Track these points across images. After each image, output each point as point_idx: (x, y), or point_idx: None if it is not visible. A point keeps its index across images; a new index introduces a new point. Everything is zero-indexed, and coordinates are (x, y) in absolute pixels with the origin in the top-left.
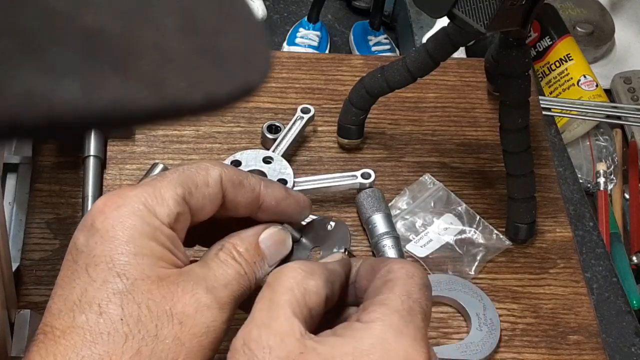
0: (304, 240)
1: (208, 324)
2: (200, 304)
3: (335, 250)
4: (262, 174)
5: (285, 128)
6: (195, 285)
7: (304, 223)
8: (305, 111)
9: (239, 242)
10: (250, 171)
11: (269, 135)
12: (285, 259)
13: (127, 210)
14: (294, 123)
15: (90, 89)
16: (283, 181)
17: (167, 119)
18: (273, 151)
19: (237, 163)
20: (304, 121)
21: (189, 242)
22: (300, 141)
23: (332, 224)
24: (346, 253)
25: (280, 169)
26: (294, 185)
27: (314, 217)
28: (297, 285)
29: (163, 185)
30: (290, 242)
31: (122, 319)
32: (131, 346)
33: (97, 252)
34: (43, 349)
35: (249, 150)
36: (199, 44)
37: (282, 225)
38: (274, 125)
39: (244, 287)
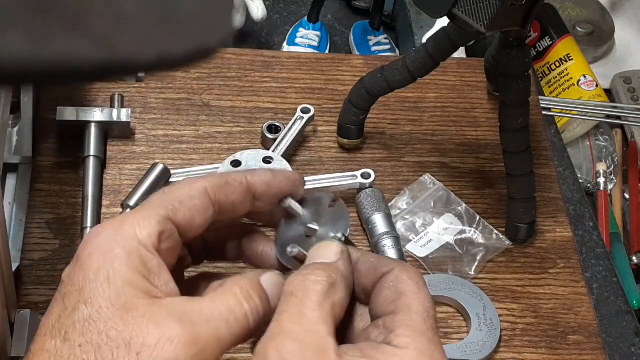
0: (304, 214)
1: (167, 358)
2: (164, 336)
3: (332, 234)
4: None
5: (285, 128)
6: (167, 318)
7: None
8: (305, 111)
9: (240, 279)
10: None
11: (269, 135)
12: (284, 234)
13: (105, 236)
14: (294, 123)
15: (35, 42)
16: None
17: (116, 74)
18: (273, 151)
19: (237, 163)
20: (304, 121)
21: (197, 257)
22: (300, 141)
23: (333, 203)
24: (343, 239)
25: (280, 169)
26: None
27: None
28: (326, 299)
29: (145, 208)
30: None
31: (80, 346)
32: None
33: (74, 280)
34: None
35: (249, 150)
36: (155, 3)
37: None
38: (274, 125)
39: (237, 327)
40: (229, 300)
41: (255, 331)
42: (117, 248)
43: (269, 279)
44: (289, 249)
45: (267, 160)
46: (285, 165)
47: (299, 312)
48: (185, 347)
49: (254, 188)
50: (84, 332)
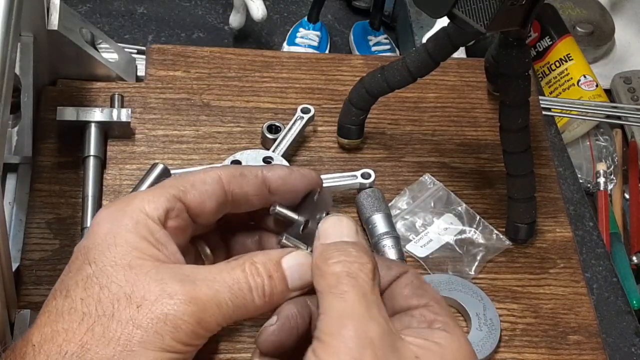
0: (299, 218)
1: (166, 313)
2: (164, 292)
3: (317, 216)
4: None
5: (285, 128)
6: (169, 277)
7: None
8: (305, 111)
9: (259, 257)
10: None
11: (269, 135)
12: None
13: (114, 209)
14: (294, 123)
15: None
16: None
17: None
18: (273, 151)
19: (237, 163)
20: (304, 121)
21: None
22: (300, 141)
23: (317, 195)
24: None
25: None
26: None
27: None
28: (375, 284)
29: (156, 188)
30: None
31: (82, 299)
32: (87, 323)
33: (81, 248)
34: (25, 332)
35: (249, 150)
36: None
37: (307, 249)
38: (274, 125)
39: (240, 297)
40: (236, 272)
41: (260, 309)
42: (125, 218)
43: (294, 258)
44: (279, 237)
45: (267, 160)
46: (285, 165)
47: (362, 294)
48: (184, 304)
49: (269, 182)
50: (85, 287)
